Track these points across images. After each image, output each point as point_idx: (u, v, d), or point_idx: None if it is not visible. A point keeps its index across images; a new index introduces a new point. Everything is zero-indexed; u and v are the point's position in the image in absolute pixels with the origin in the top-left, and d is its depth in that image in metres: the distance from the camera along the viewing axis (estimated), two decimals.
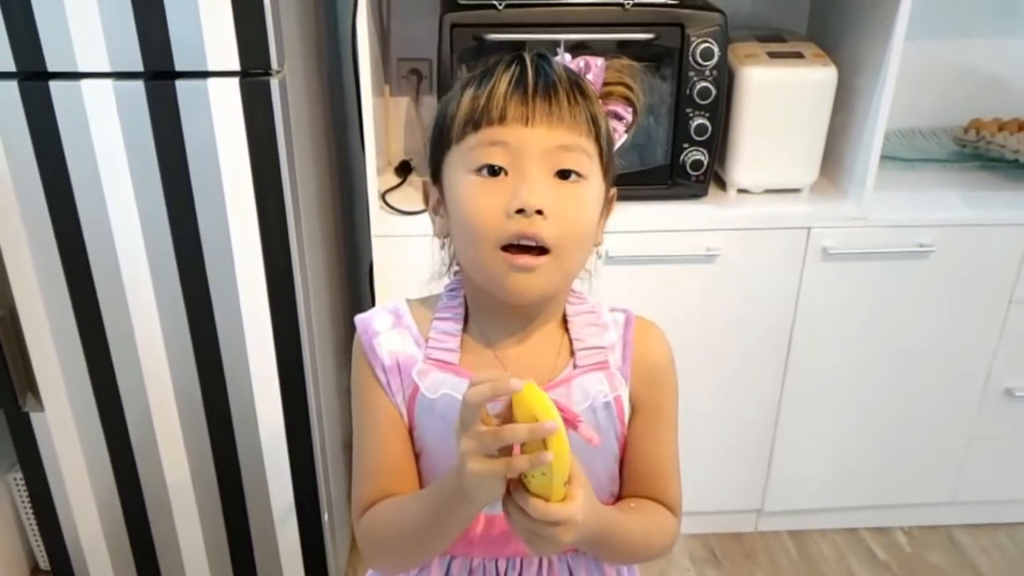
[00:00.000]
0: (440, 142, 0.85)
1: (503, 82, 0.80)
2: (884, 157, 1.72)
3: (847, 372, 1.85)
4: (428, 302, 0.92)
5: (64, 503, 1.63)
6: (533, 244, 0.79)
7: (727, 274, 1.72)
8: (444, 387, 0.86)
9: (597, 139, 0.83)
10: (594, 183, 0.83)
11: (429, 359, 0.88)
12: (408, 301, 0.93)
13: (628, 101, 0.88)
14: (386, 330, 0.90)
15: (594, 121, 0.82)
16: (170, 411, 1.55)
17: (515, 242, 0.79)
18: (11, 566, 1.84)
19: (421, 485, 0.90)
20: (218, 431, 1.57)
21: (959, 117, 1.98)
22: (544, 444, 0.69)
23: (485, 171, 0.80)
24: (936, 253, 1.73)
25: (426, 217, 1.68)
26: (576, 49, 0.88)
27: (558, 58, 0.85)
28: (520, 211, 0.78)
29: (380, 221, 1.64)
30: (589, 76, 0.85)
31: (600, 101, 0.85)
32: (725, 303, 1.75)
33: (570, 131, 0.80)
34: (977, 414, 1.91)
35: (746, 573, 1.96)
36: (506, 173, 0.79)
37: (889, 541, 2.05)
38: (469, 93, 0.82)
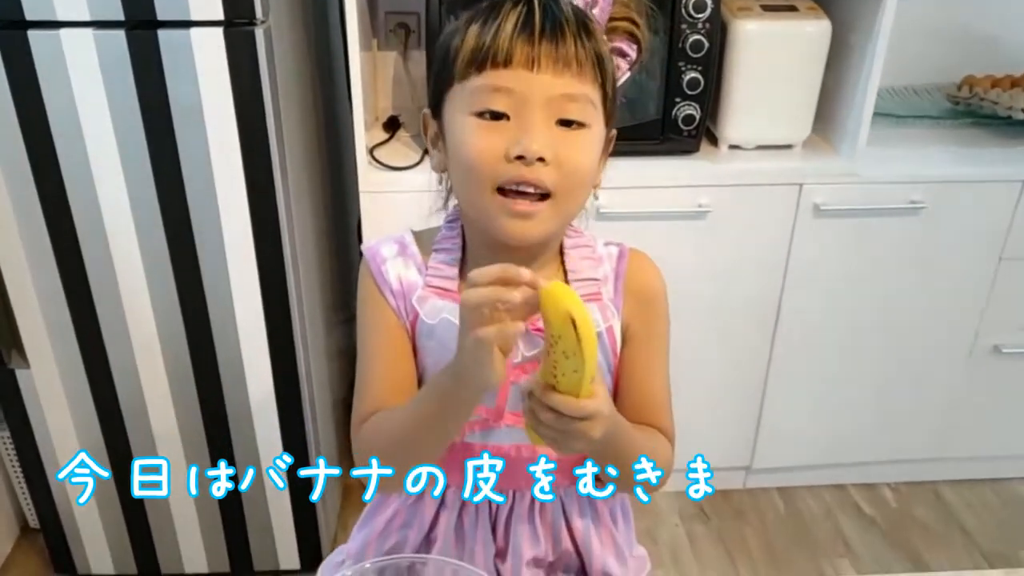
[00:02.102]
0: (442, 76, 0.83)
1: (509, 21, 0.78)
2: (877, 114, 1.71)
3: (837, 329, 1.85)
4: (430, 233, 0.93)
5: (52, 460, 1.62)
6: (532, 190, 0.79)
7: (718, 230, 1.72)
8: (443, 312, 0.87)
9: (603, 85, 0.82)
10: (596, 129, 0.82)
11: (428, 286, 0.89)
12: (412, 232, 0.94)
13: (633, 37, 0.86)
14: (392, 257, 0.91)
15: (601, 66, 0.81)
16: (157, 365, 1.54)
17: (513, 186, 0.79)
18: (1, 525, 1.84)
19: None
20: (205, 385, 1.56)
21: (952, 74, 1.96)
22: (577, 339, 0.68)
23: (487, 115, 0.79)
24: (927, 210, 1.73)
25: (414, 173, 1.68)
26: None
27: None
28: (520, 157, 0.77)
29: (368, 176, 1.62)
30: (595, 11, 0.83)
31: (606, 39, 0.84)
32: (716, 259, 1.75)
33: (575, 79, 0.79)
34: (965, 371, 1.92)
35: (735, 530, 1.98)
36: (508, 118, 0.79)
37: (876, 497, 2.07)
38: (474, 29, 0.80)
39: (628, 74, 0.87)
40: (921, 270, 1.80)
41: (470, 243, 0.90)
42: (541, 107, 0.78)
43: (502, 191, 0.79)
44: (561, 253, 0.91)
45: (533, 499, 0.93)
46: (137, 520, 1.70)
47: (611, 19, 0.85)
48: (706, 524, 1.99)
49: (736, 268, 1.76)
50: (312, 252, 1.70)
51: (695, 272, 1.75)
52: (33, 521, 1.85)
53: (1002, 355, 1.90)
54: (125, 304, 1.48)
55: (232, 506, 1.69)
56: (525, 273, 0.70)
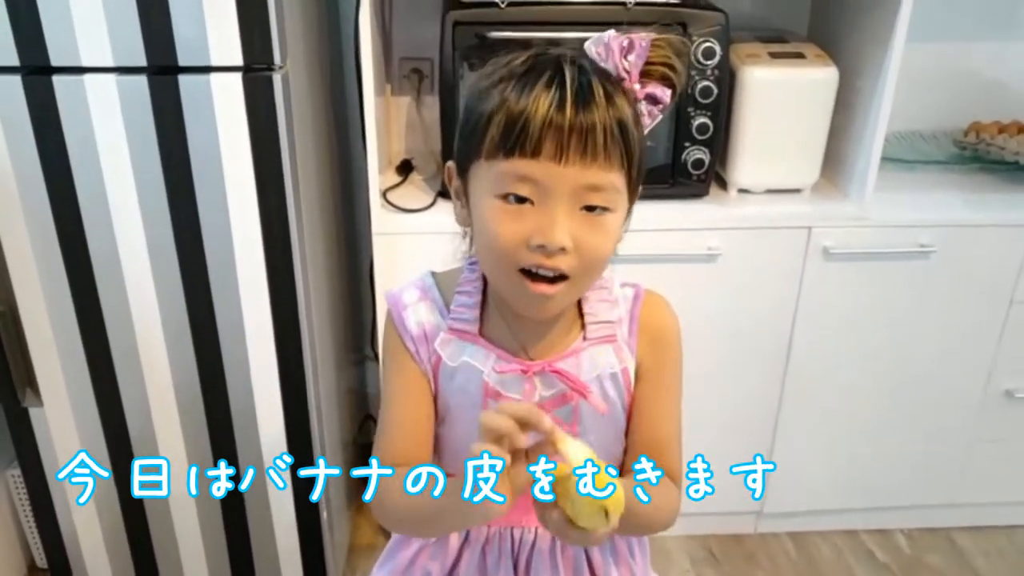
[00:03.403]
0: (470, 142, 0.83)
1: (542, 106, 0.77)
2: (884, 159, 1.73)
3: (847, 373, 1.85)
4: (451, 275, 0.95)
5: (62, 501, 1.62)
6: (551, 275, 0.81)
7: (728, 274, 1.72)
8: (464, 355, 0.89)
9: (629, 171, 0.81)
10: (620, 212, 0.83)
11: (451, 329, 0.91)
12: (433, 274, 0.96)
13: (668, 81, 0.84)
14: (413, 303, 0.93)
15: (628, 154, 0.80)
16: (170, 405, 1.54)
17: (533, 269, 0.81)
18: (8, 564, 1.83)
19: (438, 450, 0.94)
20: (217, 425, 1.57)
21: (959, 120, 1.98)
22: (607, 517, 0.73)
23: (512, 199, 0.80)
24: (937, 254, 1.73)
25: (427, 215, 1.70)
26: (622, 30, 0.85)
27: (607, 34, 0.82)
28: (541, 246, 0.79)
29: (381, 219, 1.64)
30: (631, 57, 0.82)
31: (639, 87, 0.83)
32: (726, 303, 1.75)
33: (602, 170, 0.79)
34: (977, 416, 1.91)
35: (746, 574, 1.95)
36: (532, 203, 0.79)
37: (889, 543, 2.04)
38: (506, 103, 0.79)
39: (660, 117, 0.87)
40: (931, 314, 1.80)
41: (491, 287, 0.92)
42: (566, 198, 0.79)
43: (523, 270, 0.81)
44: None
45: (555, 537, 0.93)
46: (146, 562, 1.69)
47: (648, 63, 0.83)
48: (717, 568, 1.97)
49: (746, 311, 1.77)
50: (325, 294, 1.71)
51: (705, 315, 1.76)
52: (41, 560, 1.85)
53: (1014, 400, 1.89)
54: (140, 345, 1.49)
55: (240, 552, 1.68)
56: (547, 423, 0.73)
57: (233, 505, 1.64)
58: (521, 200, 0.79)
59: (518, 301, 0.84)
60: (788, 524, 2.05)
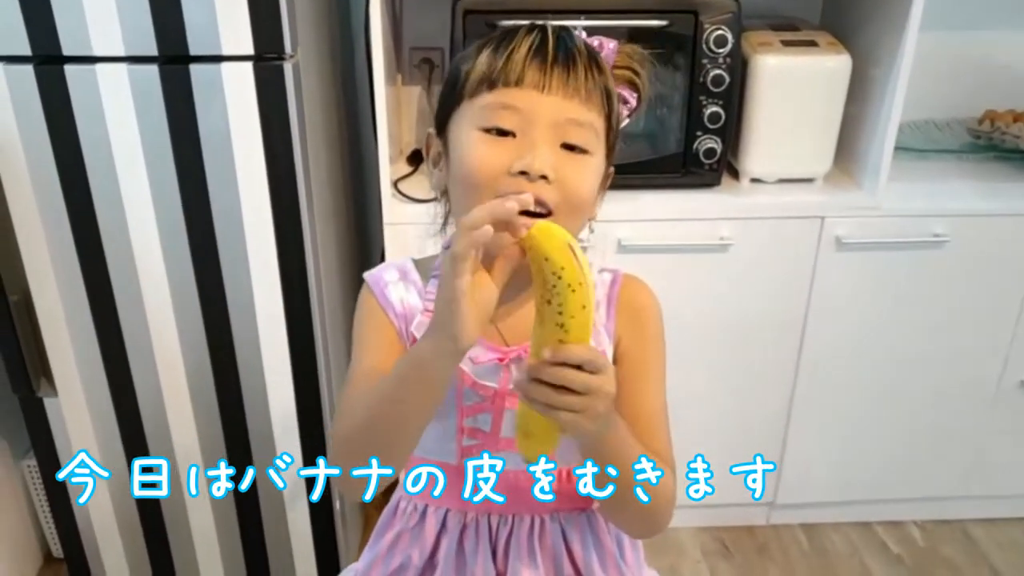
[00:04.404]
0: (450, 97, 0.86)
1: (523, 46, 0.80)
2: (898, 148, 1.71)
3: (860, 363, 1.84)
4: (429, 260, 0.95)
5: (77, 492, 1.63)
6: (531, 208, 0.78)
7: (740, 263, 1.72)
8: None
9: (608, 117, 0.84)
10: (598, 158, 0.84)
11: (426, 311, 0.89)
12: (413, 260, 0.95)
13: (634, 87, 0.89)
14: (394, 281, 0.92)
15: (608, 97, 0.84)
16: (183, 395, 1.55)
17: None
18: (24, 554, 1.85)
19: None
20: (230, 412, 1.57)
21: (973, 108, 1.97)
22: (579, 265, 0.69)
23: (494, 131, 0.81)
24: (951, 243, 1.72)
25: (438, 206, 1.70)
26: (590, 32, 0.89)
27: (580, 33, 0.86)
28: (523, 173, 0.79)
29: (392, 209, 1.64)
30: (603, 54, 0.86)
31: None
32: (738, 292, 1.75)
33: (583, 105, 0.81)
34: (992, 407, 1.90)
35: (758, 566, 1.95)
36: (514, 136, 0.80)
37: (902, 535, 2.03)
38: (486, 53, 0.82)
39: (627, 120, 0.90)
40: (945, 304, 1.79)
41: None
42: (547, 128, 0.80)
43: None
44: None
45: (533, 524, 0.93)
46: (160, 550, 1.70)
47: (615, 67, 0.87)
48: (729, 560, 1.96)
49: (758, 301, 1.76)
50: (336, 283, 1.71)
51: (717, 305, 1.75)
52: (57, 550, 1.86)
53: None
54: (152, 334, 1.50)
55: (253, 541, 1.69)
56: (514, 207, 0.70)
57: (247, 498, 1.65)
58: (503, 134, 0.80)
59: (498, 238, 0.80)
60: (800, 516, 2.05)
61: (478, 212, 0.70)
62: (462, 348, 0.72)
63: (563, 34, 0.82)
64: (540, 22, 0.84)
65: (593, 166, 0.83)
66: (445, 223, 0.94)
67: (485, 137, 0.81)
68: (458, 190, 0.85)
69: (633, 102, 0.89)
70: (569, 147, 0.81)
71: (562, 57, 0.80)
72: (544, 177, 0.79)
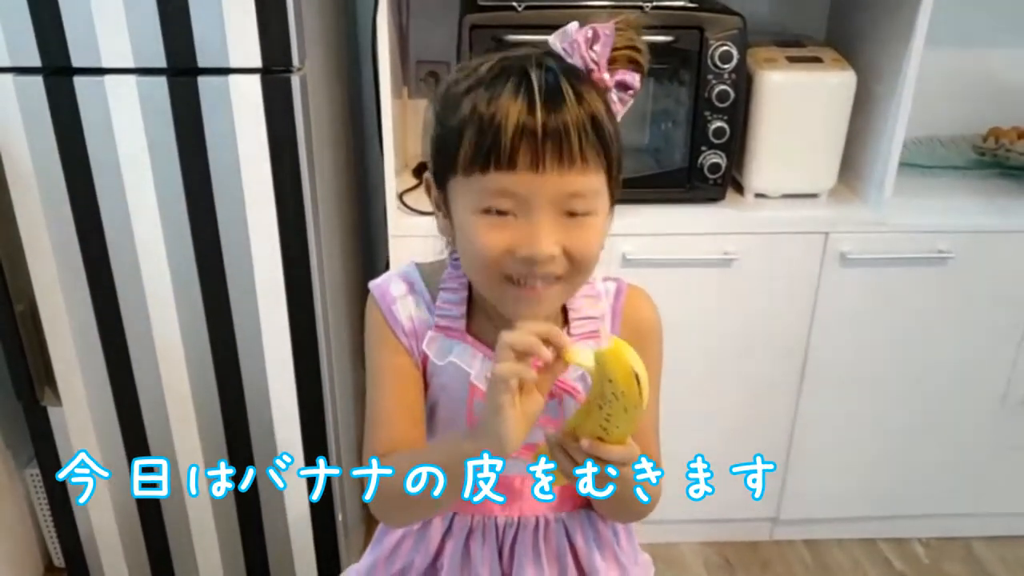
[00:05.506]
0: (444, 157, 0.82)
1: (512, 114, 0.75)
2: (903, 164, 1.71)
3: (865, 379, 1.84)
4: (435, 268, 0.94)
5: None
6: (541, 283, 0.80)
7: (744, 278, 1.72)
8: (450, 355, 0.89)
9: (608, 169, 0.81)
10: (602, 214, 0.83)
11: (437, 327, 0.90)
12: (418, 266, 0.95)
13: (636, 64, 0.84)
14: (401, 296, 0.92)
15: (606, 151, 0.79)
16: (187, 405, 1.55)
17: (522, 281, 0.80)
18: (26, 563, 1.85)
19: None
20: (233, 424, 1.57)
21: (978, 125, 1.97)
22: (640, 394, 0.72)
23: (494, 212, 0.78)
24: (955, 260, 1.72)
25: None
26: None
27: (570, 27, 0.82)
28: (529, 259, 0.78)
29: (397, 221, 1.65)
30: (597, 47, 0.81)
31: (608, 74, 0.82)
32: (742, 307, 1.75)
33: (581, 175, 0.78)
34: (996, 424, 1.90)
35: None
36: (514, 215, 0.78)
37: (906, 552, 2.02)
38: (476, 114, 0.78)
39: (631, 102, 0.86)
40: (950, 320, 1.79)
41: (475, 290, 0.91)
42: (547, 205, 0.77)
43: (509, 277, 0.80)
44: None
45: (538, 525, 0.94)
46: (160, 551, 1.70)
47: (614, 49, 0.82)
48: (732, 575, 1.96)
49: (762, 316, 1.76)
50: (341, 295, 1.72)
51: (721, 319, 1.75)
52: (58, 560, 1.86)
53: None
54: (157, 345, 1.50)
55: (257, 554, 1.69)
56: (564, 339, 0.73)
57: (248, 504, 1.65)
58: (503, 213, 0.78)
59: (506, 306, 0.83)
60: (804, 531, 2.04)
61: (521, 337, 0.73)
62: (506, 453, 0.75)
63: (550, 86, 0.77)
64: (526, 65, 0.79)
65: (598, 225, 0.82)
66: (452, 252, 0.93)
67: (485, 220, 0.79)
68: (466, 260, 0.85)
69: (636, 84, 0.84)
70: (573, 214, 0.79)
71: (552, 127, 0.75)
72: (552, 256, 0.78)
